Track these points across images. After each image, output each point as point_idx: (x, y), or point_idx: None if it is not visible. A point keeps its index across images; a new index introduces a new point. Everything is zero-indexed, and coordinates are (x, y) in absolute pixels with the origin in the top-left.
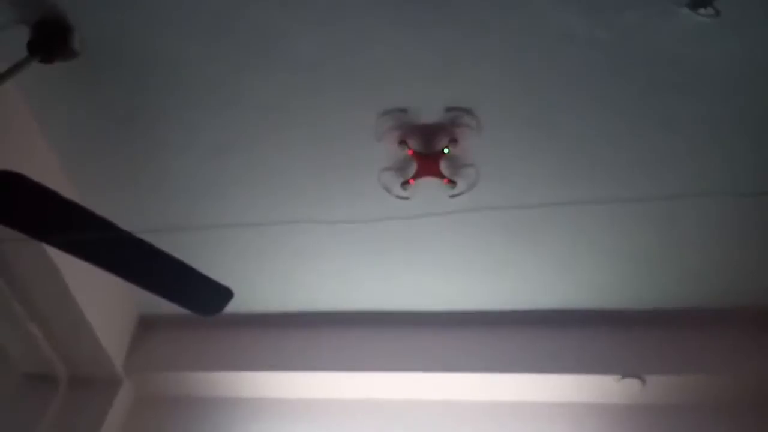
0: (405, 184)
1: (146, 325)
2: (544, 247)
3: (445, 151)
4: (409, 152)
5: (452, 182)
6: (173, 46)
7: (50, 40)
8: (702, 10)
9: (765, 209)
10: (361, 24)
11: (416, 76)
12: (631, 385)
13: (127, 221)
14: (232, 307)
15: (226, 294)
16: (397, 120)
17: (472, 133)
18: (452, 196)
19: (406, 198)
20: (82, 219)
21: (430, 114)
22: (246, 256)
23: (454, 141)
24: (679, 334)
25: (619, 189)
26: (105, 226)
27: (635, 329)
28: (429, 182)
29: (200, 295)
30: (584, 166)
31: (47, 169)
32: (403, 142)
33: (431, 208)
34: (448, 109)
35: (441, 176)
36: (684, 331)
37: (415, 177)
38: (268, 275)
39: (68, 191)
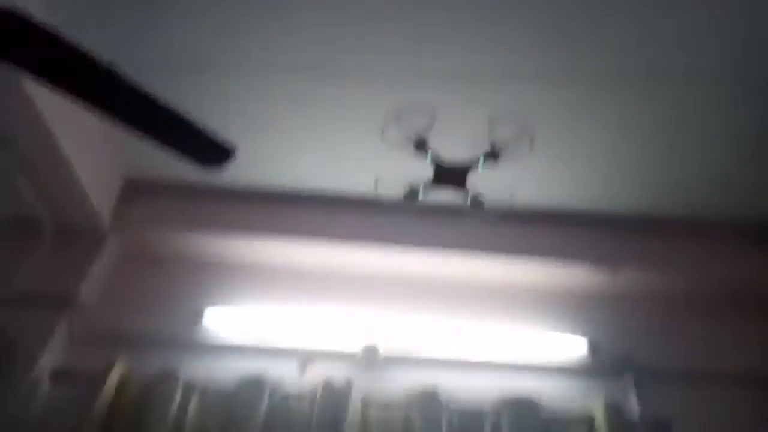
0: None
1: (132, 188)
2: (541, 145)
3: None
4: None
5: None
6: None
7: None
8: None
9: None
10: None
11: None
12: (603, 273)
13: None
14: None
15: (228, 151)
16: None
17: None
18: None
19: None
20: (79, 60)
21: None
22: (254, 121)
23: None
24: (654, 236)
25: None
26: (106, 72)
27: (614, 228)
28: None
29: (201, 148)
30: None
31: None
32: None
33: None
34: None
35: None
36: (666, 235)
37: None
38: (274, 147)
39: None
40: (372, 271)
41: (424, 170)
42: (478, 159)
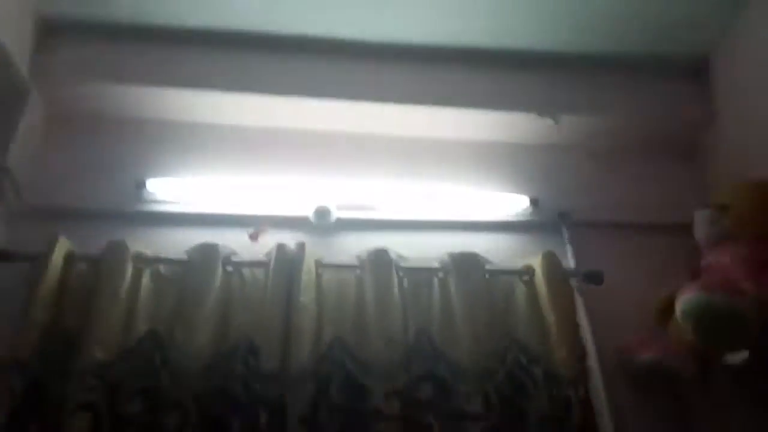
0: None
1: (48, 30)
2: None
3: None
4: None
5: None
6: None
7: None
8: None
9: None
10: None
11: None
12: (546, 124)
13: None
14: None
15: None
16: None
17: None
18: None
19: None
20: None
21: None
22: None
23: None
24: (597, 77)
25: None
26: None
27: (552, 70)
28: None
29: None
30: None
31: None
32: None
33: None
34: None
35: None
36: (602, 75)
37: None
38: None
39: None
40: (316, 129)
41: None
42: None
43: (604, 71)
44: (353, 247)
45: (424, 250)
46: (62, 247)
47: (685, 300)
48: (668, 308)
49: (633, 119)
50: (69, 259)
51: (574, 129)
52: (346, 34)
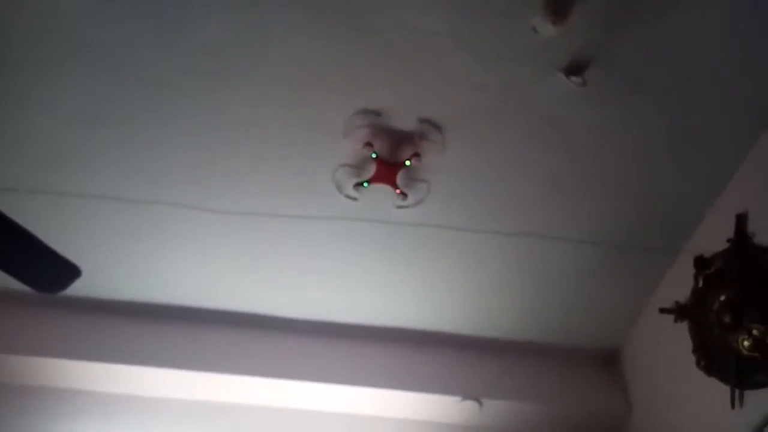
0: (358, 185)
1: None
2: (417, 267)
3: (407, 163)
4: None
5: (404, 194)
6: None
7: None
8: (573, 78)
9: (604, 260)
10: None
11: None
12: (470, 407)
13: None
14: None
15: (72, 271)
16: (367, 120)
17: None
18: (399, 207)
19: (355, 199)
20: None
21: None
22: (100, 235)
23: (417, 155)
24: (519, 363)
25: (492, 222)
26: None
27: (479, 354)
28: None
29: (42, 270)
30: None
31: None
32: (369, 144)
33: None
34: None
35: (395, 186)
36: (524, 361)
37: (371, 181)
38: (117, 259)
39: None
40: (233, 403)
41: None
42: None
43: (528, 359)
44: None
45: None
46: None
47: None
48: None
49: (554, 407)
50: None
51: (497, 413)
52: (268, 310)
